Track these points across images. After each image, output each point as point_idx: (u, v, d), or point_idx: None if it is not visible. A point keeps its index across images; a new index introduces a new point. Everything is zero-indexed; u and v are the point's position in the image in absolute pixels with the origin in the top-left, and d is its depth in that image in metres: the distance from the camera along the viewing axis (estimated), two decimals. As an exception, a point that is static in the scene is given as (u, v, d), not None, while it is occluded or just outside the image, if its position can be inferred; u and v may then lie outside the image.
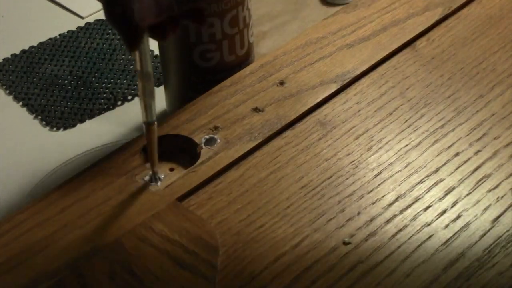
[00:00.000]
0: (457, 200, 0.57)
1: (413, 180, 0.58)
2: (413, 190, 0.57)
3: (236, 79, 0.65)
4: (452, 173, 0.58)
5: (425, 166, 0.59)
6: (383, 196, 0.57)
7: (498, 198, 0.57)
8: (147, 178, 0.58)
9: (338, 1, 0.79)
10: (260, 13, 0.80)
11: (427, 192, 0.57)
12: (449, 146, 0.60)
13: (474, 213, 0.56)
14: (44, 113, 0.72)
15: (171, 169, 0.60)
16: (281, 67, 0.66)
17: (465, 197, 0.57)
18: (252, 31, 0.67)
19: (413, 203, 0.57)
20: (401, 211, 0.56)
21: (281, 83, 0.65)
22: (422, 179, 0.58)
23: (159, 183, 0.58)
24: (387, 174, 0.59)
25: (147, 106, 0.56)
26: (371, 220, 0.56)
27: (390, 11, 0.71)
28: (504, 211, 0.56)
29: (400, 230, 0.55)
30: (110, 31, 0.80)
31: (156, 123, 0.57)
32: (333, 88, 0.65)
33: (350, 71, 0.66)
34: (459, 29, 0.70)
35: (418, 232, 0.55)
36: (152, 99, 0.56)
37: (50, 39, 0.80)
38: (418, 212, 0.56)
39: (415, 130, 0.62)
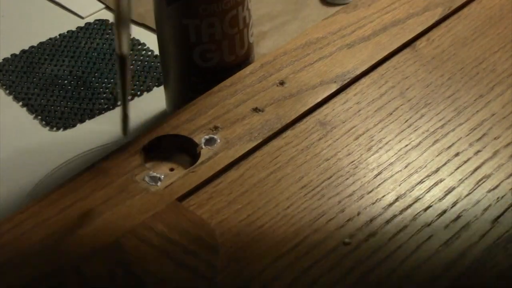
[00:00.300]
0: (457, 200, 0.57)
1: (413, 180, 0.58)
2: (413, 190, 0.57)
3: (236, 79, 0.65)
4: (452, 173, 0.58)
5: (425, 166, 0.59)
6: (383, 196, 0.57)
7: (498, 198, 0.57)
8: (147, 178, 0.58)
9: (338, 1, 0.79)
10: (260, 13, 0.80)
11: (427, 192, 0.57)
12: (449, 146, 0.60)
13: (474, 213, 0.56)
14: (44, 113, 0.72)
15: (171, 169, 0.60)
16: (281, 67, 0.66)
17: (465, 197, 0.57)
18: (252, 31, 0.67)
19: (413, 203, 0.57)
20: (401, 211, 0.56)
21: (281, 83, 0.65)
22: (422, 179, 0.58)
23: (159, 183, 0.58)
24: (387, 174, 0.59)
25: (122, 36, 0.54)
26: (371, 220, 0.56)
27: (390, 11, 0.71)
28: (504, 211, 0.56)
29: (400, 230, 0.55)
30: (110, 31, 0.80)
31: (129, 57, 0.55)
32: (333, 88, 0.65)
33: (350, 71, 0.66)
34: (459, 29, 0.70)
35: (418, 233, 0.55)
36: (126, 28, 0.54)
37: (50, 39, 0.80)
38: (418, 212, 0.56)
39: (415, 130, 0.62)
